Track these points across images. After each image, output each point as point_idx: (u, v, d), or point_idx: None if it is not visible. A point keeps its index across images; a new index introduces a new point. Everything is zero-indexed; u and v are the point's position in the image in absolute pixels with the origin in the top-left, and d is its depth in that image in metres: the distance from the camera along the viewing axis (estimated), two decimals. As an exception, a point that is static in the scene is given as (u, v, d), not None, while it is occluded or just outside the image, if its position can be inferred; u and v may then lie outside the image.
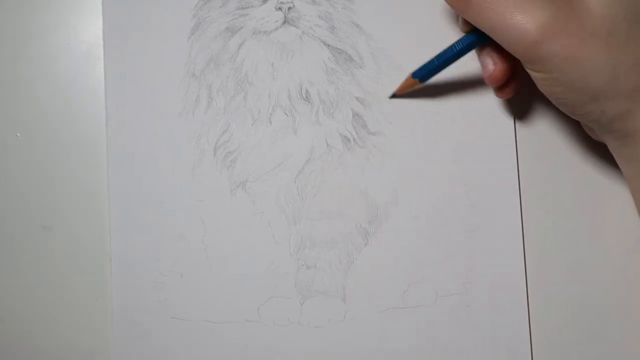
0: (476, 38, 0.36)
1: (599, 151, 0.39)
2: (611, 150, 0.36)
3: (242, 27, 0.41)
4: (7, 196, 0.41)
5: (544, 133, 0.40)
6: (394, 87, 0.40)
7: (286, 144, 0.40)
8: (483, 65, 0.37)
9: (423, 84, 0.39)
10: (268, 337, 0.39)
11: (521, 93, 0.40)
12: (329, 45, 0.40)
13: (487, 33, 0.34)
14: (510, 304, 0.39)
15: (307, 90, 0.40)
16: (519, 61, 0.34)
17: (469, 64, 0.39)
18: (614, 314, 0.39)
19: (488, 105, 0.40)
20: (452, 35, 0.40)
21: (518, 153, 0.40)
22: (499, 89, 0.38)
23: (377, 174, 0.40)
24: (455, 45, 0.37)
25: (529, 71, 0.34)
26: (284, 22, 0.40)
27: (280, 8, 0.40)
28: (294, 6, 0.40)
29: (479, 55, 0.37)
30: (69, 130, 0.41)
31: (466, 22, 0.36)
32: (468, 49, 0.37)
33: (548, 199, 0.40)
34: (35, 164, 0.41)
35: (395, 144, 0.40)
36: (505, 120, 0.40)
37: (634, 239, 0.39)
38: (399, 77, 0.40)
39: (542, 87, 0.34)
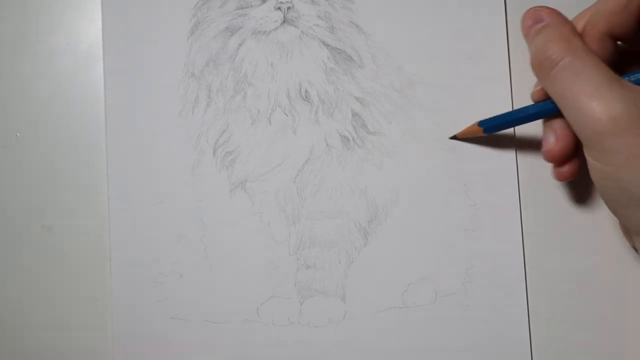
0: (552, 108, 0.35)
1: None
2: None
3: (241, 27, 0.41)
4: (7, 196, 0.41)
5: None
6: (394, 87, 0.40)
7: (285, 144, 0.40)
8: (544, 138, 0.36)
9: (486, 134, 0.39)
10: (268, 337, 0.39)
11: (522, 93, 0.40)
12: (328, 45, 0.40)
13: (560, 107, 0.33)
14: (510, 304, 0.39)
15: (306, 90, 0.40)
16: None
17: (469, 63, 0.39)
18: (613, 313, 0.39)
19: (488, 106, 0.40)
20: (452, 35, 0.40)
21: (518, 153, 0.40)
22: (558, 168, 0.36)
23: (377, 173, 0.40)
24: (530, 108, 0.36)
25: (587, 156, 0.33)
26: (283, 21, 0.40)
27: (279, 8, 0.40)
28: (293, 6, 0.40)
29: (544, 127, 0.36)
30: (69, 130, 0.41)
31: (540, 93, 0.35)
32: (541, 116, 0.36)
33: (548, 199, 0.40)
34: (35, 164, 0.41)
35: (395, 144, 0.40)
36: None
37: (634, 238, 0.39)
38: (399, 77, 0.40)
39: (595, 176, 0.33)
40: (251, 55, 0.40)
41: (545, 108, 0.35)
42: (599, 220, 0.40)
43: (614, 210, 0.34)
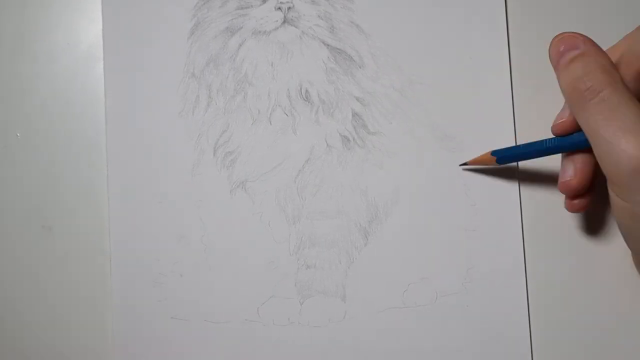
0: (570, 143, 0.35)
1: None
2: None
3: (241, 27, 0.41)
4: (7, 196, 0.41)
5: (543, 133, 0.40)
6: (394, 87, 0.40)
7: (286, 144, 0.40)
8: (563, 170, 0.36)
9: (499, 165, 0.39)
10: (268, 337, 0.39)
11: (522, 92, 0.40)
12: (328, 45, 0.40)
13: (590, 139, 0.32)
14: (510, 304, 0.39)
15: (306, 90, 0.40)
16: (599, 180, 0.33)
17: (469, 63, 0.39)
18: (614, 314, 0.39)
19: (488, 106, 0.40)
20: (452, 35, 0.40)
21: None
22: (571, 200, 0.37)
23: (377, 173, 0.40)
24: (549, 141, 0.36)
25: (611, 194, 0.33)
26: (284, 22, 0.40)
27: (279, 8, 0.40)
28: (293, 6, 0.40)
29: (563, 159, 0.36)
30: (69, 130, 0.41)
31: (563, 126, 0.35)
32: (558, 151, 0.36)
33: (548, 199, 0.40)
34: (35, 163, 0.41)
35: (395, 144, 0.40)
36: (505, 120, 0.40)
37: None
38: (399, 77, 0.40)
39: (619, 215, 0.33)
40: (251, 55, 0.40)
41: (568, 142, 0.35)
42: (600, 219, 0.40)
43: (635, 250, 0.34)
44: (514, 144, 0.40)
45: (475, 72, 0.40)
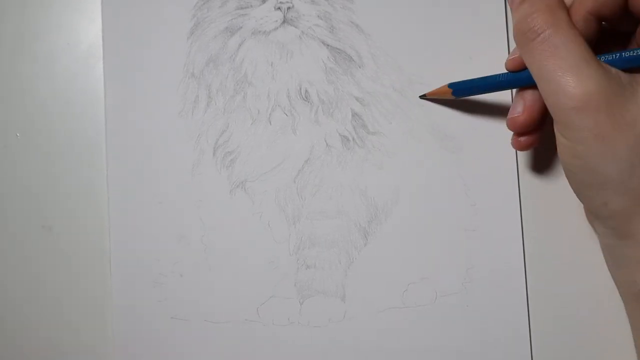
0: (525, 78, 0.35)
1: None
2: (603, 249, 0.35)
3: (241, 27, 0.41)
4: (7, 196, 0.41)
5: (543, 133, 0.40)
6: (394, 87, 0.40)
7: (285, 144, 0.40)
8: (513, 106, 0.36)
9: (455, 97, 0.39)
10: (268, 337, 0.39)
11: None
12: (328, 45, 0.40)
13: (534, 78, 0.33)
14: (510, 304, 0.39)
15: (306, 90, 0.40)
16: (547, 120, 0.34)
17: (469, 63, 0.39)
18: (613, 314, 0.39)
19: (488, 105, 0.40)
20: (452, 35, 0.40)
21: (518, 153, 0.40)
22: (517, 137, 0.37)
23: (377, 173, 0.40)
24: (501, 76, 0.36)
25: (556, 132, 0.33)
26: (283, 22, 0.40)
27: (279, 8, 0.40)
28: (293, 6, 0.40)
29: (514, 96, 0.37)
30: (69, 130, 0.41)
31: (515, 62, 0.35)
32: (511, 85, 0.36)
33: (548, 199, 0.40)
34: (35, 163, 0.41)
35: (395, 144, 0.40)
36: (505, 120, 0.40)
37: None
38: (399, 77, 0.40)
39: (562, 153, 0.33)
40: (251, 55, 0.40)
41: (518, 78, 0.35)
42: (599, 220, 0.39)
43: (577, 190, 0.34)
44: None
45: (475, 71, 0.40)
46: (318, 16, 0.40)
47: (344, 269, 0.40)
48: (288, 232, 0.40)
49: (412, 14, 0.41)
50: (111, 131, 0.41)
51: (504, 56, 0.40)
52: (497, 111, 0.40)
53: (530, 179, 0.40)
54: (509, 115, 0.36)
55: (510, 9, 0.35)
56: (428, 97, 0.40)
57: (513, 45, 0.40)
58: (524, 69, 0.35)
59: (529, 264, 0.39)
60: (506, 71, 0.36)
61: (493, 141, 0.40)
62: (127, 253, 0.40)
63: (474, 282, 0.39)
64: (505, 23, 0.40)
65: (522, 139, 0.37)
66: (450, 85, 0.39)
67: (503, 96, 0.40)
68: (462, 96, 0.39)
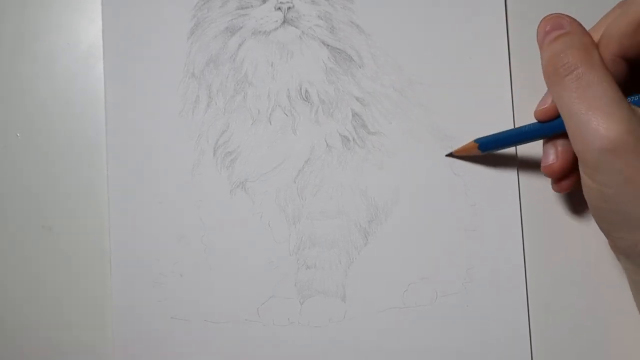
0: (548, 128, 0.35)
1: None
2: (630, 283, 0.35)
3: (241, 27, 0.41)
4: (7, 196, 0.41)
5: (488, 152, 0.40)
6: (394, 87, 0.40)
7: (286, 144, 0.40)
8: (545, 154, 0.36)
9: (482, 152, 0.39)
10: (268, 337, 0.39)
11: (522, 92, 0.40)
12: (328, 45, 0.40)
13: (563, 118, 0.32)
14: (510, 304, 0.39)
15: (306, 90, 0.40)
16: None
17: (469, 63, 0.39)
18: (613, 314, 0.39)
19: (488, 106, 0.40)
20: (452, 35, 0.40)
21: (518, 153, 0.40)
22: (557, 182, 0.37)
23: (377, 173, 0.40)
24: (527, 127, 0.36)
25: (582, 175, 0.33)
26: (284, 22, 0.40)
27: (279, 8, 0.40)
28: (293, 6, 0.40)
29: (544, 144, 0.36)
30: (69, 130, 0.41)
31: (545, 112, 0.35)
32: (540, 136, 0.36)
33: (548, 198, 0.40)
34: (35, 163, 0.41)
35: (395, 144, 0.40)
36: (505, 120, 0.40)
37: (634, 238, 0.39)
38: (399, 77, 0.40)
39: (590, 196, 0.33)
40: (251, 55, 0.40)
41: (548, 127, 0.35)
42: (599, 220, 0.40)
43: (605, 231, 0.34)
44: (513, 146, 0.40)
45: (475, 72, 0.40)
46: (318, 16, 0.40)
47: (344, 269, 0.40)
48: (288, 232, 0.40)
49: (412, 14, 0.41)
50: (111, 131, 0.41)
51: (504, 56, 0.40)
52: (498, 111, 0.40)
53: (530, 179, 0.40)
54: (543, 164, 0.36)
55: (540, 46, 0.34)
56: (455, 155, 0.40)
57: (513, 45, 0.41)
58: (554, 118, 0.35)
59: (529, 264, 0.39)
60: (531, 122, 0.36)
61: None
62: (127, 253, 0.40)
63: (474, 282, 0.39)
64: (505, 23, 0.41)
65: (563, 183, 0.36)
66: (477, 140, 0.38)
67: (503, 95, 0.40)
68: (489, 151, 0.39)
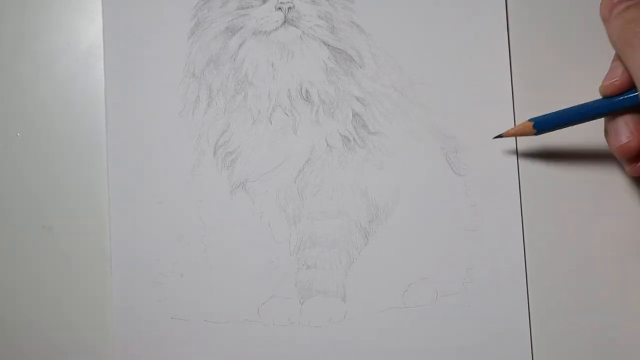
0: (617, 103, 0.33)
1: (599, 151, 0.39)
2: None
3: (242, 27, 0.41)
4: (7, 196, 0.41)
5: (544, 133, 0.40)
6: (394, 87, 0.40)
7: (286, 144, 0.40)
8: (616, 133, 0.34)
9: (537, 133, 0.36)
10: (268, 337, 0.39)
11: (522, 92, 0.40)
12: (329, 45, 0.40)
13: (623, 58, 0.31)
14: (511, 304, 0.39)
15: (307, 90, 0.40)
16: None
17: (469, 63, 0.39)
18: (614, 313, 0.39)
19: (488, 106, 0.40)
20: (452, 35, 0.40)
21: (518, 153, 0.40)
22: (631, 163, 0.34)
23: (377, 173, 0.40)
24: (592, 104, 0.34)
25: None
26: (284, 22, 0.40)
27: (280, 8, 0.40)
28: (294, 6, 0.40)
29: (610, 122, 0.34)
30: (69, 130, 0.41)
31: (614, 86, 0.33)
32: (605, 113, 0.34)
33: (548, 198, 0.40)
34: (35, 163, 0.41)
35: (396, 144, 0.40)
36: (505, 120, 0.40)
37: (634, 238, 0.39)
38: (399, 77, 0.40)
39: None
40: (252, 55, 0.40)
41: (615, 102, 0.33)
42: (600, 219, 0.40)
43: None
44: (513, 146, 0.40)
45: (475, 72, 0.40)
46: (319, 16, 0.40)
47: (344, 269, 0.40)
48: (288, 232, 0.40)
49: (412, 14, 0.41)
50: (111, 131, 0.41)
51: (504, 56, 0.40)
52: (498, 111, 0.40)
53: (530, 179, 0.40)
54: (617, 144, 0.34)
55: (606, 19, 0.33)
56: (506, 136, 0.38)
57: (513, 45, 0.41)
58: (623, 92, 0.33)
59: (529, 264, 0.39)
60: (595, 99, 0.34)
61: (493, 141, 0.40)
62: (127, 253, 0.40)
63: (475, 282, 0.39)
64: (505, 23, 0.41)
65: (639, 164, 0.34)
66: (532, 119, 0.36)
67: (503, 95, 0.40)
68: (545, 131, 0.36)
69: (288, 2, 0.40)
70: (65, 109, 0.42)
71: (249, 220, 0.40)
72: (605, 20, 0.33)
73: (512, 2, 0.41)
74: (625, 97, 0.33)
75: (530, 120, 0.36)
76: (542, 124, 0.36)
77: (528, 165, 0.40)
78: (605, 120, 0.35)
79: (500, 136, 0.38)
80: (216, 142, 0.40)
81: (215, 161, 0.40)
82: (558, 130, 0.38)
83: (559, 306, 0.39)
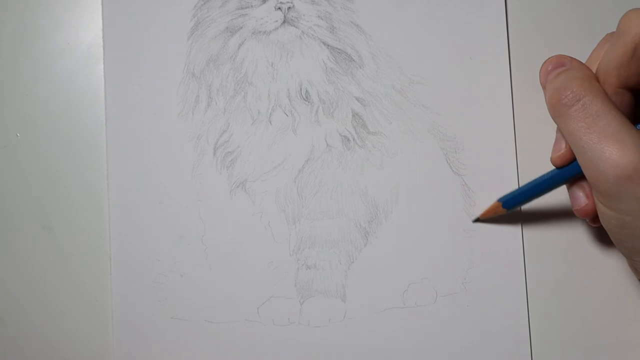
0: (569, 172, 0.34)
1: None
2: None
3: (241, 27, 0.41)
4: (7, 196, 0.41)
5: (543, 133, 0.40)
6: (394, 87, 0.40)
7: (286, 144, 0.40)
8: (574, 198, 0.35)
9: (508, 211, 0.38)
10: (268, 337, 0.39)
11: (522, 93, 0.40)
12: (328, 45, 0.40)
13: (574, 150, 0.32)
14: (510, 304, 0.39)
15: (306, 90, 0.40)
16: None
17: (469, 63, 0.39)
18: (613, 314, 0.39)
19: (488, 106, 0.40)
20: (452, 35, 0.40)
21: (517, 153, 0.40)
22: (594, 222, 0.35)
23: (377, 173, 0.40)
24: (546, 176, 0.36)
25: (598, 204, 0.32)
26: (284, 22, 0.40)
27: (279, 8, 0.40)
28: (293, 6, 0.40)
29: (569, 188, 0.36)
30: (69, 130, 0.41)
31: (563, 157, 0.34)
32: (560, 183, 0.35)
33: (548, 198, 0.40)
34: (35, 164, 0.41)
35: (396, 144, 0.40)
36: (504, 120, 0.40)
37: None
38: (399, 77, 0.40)
39: (608, 224, 0.32)
40: (251, 55, 0.40)
41: (568, 171, 0.35)
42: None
43: (626, 254, 0.34)
44: (513, 147, 0.40)
45: (475, 72, 0.40)
46: (318, 16, 0.40)
47: (344, 269, 0.40)
48: (288, 232, 0.40)
49: (412, 14, 0.41)
50: (111, 131, 0.41)
51: (504, 56, 0.40)
52: (498, 111, 0.40)
53: (530, 179, 0.40)
54: (576, 207, 0.35)
55: (543, 85, 0.34)
56: (482, 219, 0.40)
57: (513, 45, 0.41)
58: (572, 161, 0.34)
59: (528, 264, 0.39)
60: (549, 171, 0.36)
61: (493, 141, 0.40)
62: (127, 253, 0.40)
63: (474, 282, 0.39)
64: (505, 23, 0.41)
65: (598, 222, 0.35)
66: (500, 199, 0.38)
67: (503, 95, 0.40)
68: (513, 207, 0.38)
69: (288, 2, 0.40)
70: (65, 109, 0.42)
71: (249, 220, 0.40)
72: (543, 87, 0.35)
73: (512, 2, 0.41)
74: (571, 166, 0.34)
75: (498, 200, 0.38)
76: (510, 203, 0.38)
77: (528, 165, 0.40)
78: (567, 186, 0.36)
79: (478, 220, 0.40)
80: (216, 142, 0.40)
81: (215, 161, 0.40)
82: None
83: (558, 306, 0.39)
